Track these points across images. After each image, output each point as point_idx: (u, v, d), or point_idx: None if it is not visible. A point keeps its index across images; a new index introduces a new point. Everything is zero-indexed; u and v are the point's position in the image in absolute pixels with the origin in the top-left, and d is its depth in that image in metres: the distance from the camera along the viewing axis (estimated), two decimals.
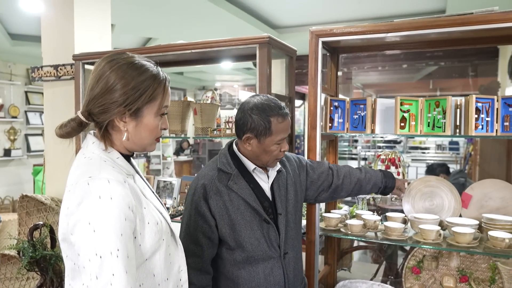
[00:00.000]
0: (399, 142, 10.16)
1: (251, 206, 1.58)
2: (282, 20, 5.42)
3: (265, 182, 1.66)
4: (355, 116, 2.10)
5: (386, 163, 2.68)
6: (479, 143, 5.86)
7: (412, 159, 9.57)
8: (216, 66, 7.68)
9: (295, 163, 1.84)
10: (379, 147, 9.66)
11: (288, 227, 1.67)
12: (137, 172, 1.23)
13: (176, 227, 1.33)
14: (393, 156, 2.68)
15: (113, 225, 0.99)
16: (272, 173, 1.68)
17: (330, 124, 2.11)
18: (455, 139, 9.70)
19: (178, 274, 1.24)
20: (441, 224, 2.02)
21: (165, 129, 1.22)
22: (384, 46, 2.28)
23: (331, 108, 2.11)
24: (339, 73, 2.50)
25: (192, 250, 1.55)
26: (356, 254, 4.35)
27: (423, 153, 9.98)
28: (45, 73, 2.90)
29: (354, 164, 8.81)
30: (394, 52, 6.16)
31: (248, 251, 1.58)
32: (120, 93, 1.10)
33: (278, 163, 1.69)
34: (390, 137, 10.28)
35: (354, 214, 2.33)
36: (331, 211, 2.26)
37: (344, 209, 2.51)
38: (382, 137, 10.17)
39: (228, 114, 2.56)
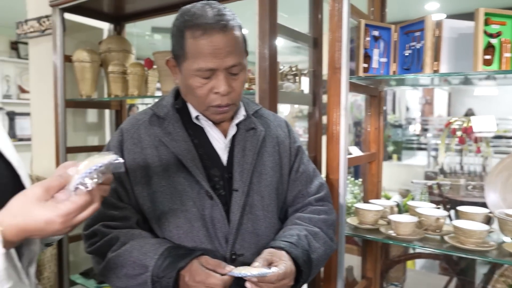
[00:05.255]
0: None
1: (186, 169, 0.95)
2: None
3: (218, 140, 1.02)
4: (407, 52, 1.33)
5: (459, 134, 1.86)
6: None
7: (496, 151, 8.16)
8: None
9: (288, 132, 1.14)
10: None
11: (251, 214, 0.99)
12: None
13: None
14: (469, 125, 1.85)
15: None
16: (232, 128, 1.03)
17: (366, 65, 1.36)
18: None
19: None
20: None
21: None
22: None
23: (368, 39, 1.35)
24: None
25: (108, 215, 0.98)
26: (418, 261, 3.46)
27: (508, 143, 8.50)
28: (29, 28, 2.46)
29: (423, 155, 7.68)
30: None
31: (173, 239, 0.96)
32: None
33: (239, 114, 1.04)
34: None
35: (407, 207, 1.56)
36: (370, 201, 1.52)
37: (394, 199, 1.73)
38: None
39: None
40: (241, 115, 1.04)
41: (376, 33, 1.36)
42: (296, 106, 7.09)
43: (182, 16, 0.94)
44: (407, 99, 10.21)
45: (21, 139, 4.88)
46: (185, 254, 0.88)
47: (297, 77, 1.74)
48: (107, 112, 2.58)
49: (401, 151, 7.70)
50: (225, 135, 1.03)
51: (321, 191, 1.12)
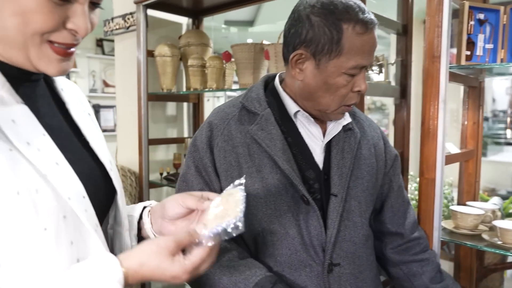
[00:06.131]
0: None
1: (281, 170, 0.89)
2: None
3: (316, 138, 0.96)
4: None
5: None
6: None
7: None
8: None
9: (380, 134, 1.09)
10: None
11: (348, 221, 0.93)
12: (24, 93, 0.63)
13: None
14: None
15: None
16: (334, 127, 0.96)
17: (469, 52, 1.22)
18: None
19: None
20: None
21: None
22: None
23: (472, 23, 1.21)
24: None
25: None
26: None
27: None
28: (115, 25, 2.58)
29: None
30: None
31: (266, 246, 0.90)
32: None
33: (346, 115, 0.98)
34: None
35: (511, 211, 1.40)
36: (467, 203, 1.37)
37: (493, 201, 1.56)
38: None
39: None
40: (347, 116, 0.98)
41: (481, 16, 1.21)
42: (368, 97, 6.80)
43: (335, 4, 0.84)
44: (493, 89, 9.33)
45: (105, 130, 5.24)
46: None
47: (383, 68, 1.63)
48: (184, 104, 2.64)
49: (487, 146, 7.08)
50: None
51: (418, 228, 1.13)
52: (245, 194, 0.67)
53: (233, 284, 0.82)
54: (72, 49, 0.60)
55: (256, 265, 0.86)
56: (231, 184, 0.71)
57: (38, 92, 0.66)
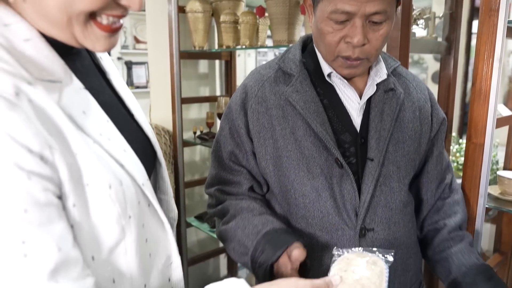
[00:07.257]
0: None
1: (314, 132, 0.87)
2: None
3: (352, 100, 0.91)
4: None
5: None
6: None
7: None
8: None
9: (428, 95, 1.01)
10: None
11: (385, 186, 0.89)
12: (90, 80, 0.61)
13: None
14: None
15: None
16: (370, 86, 0.91)
17: None
18: None
19: (165, 270, 0.64)
20: None
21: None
22: None
23: None
24: None
25: (224, 178, 0.99)
26: None
27: None
28: None
29: None
30: None
31: (299, 208, 0.90)
32: None
33: (381, 71, 0.92)
34: None
35: None
36: None
37: None
38: None
39: None
40: (383, 73, 0.92)
41: None
42: None
43: None
44: None
45: (137, 87, 5.29)
46: (281, 243, 0.81)
47: (429, 22, 1.51)
48: (217, 62, 2.59)
49: None
50: (360, 95, 0.92)
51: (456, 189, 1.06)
52: (388, 268, 0.63)
53: (246, 236, 0.86)
54: (120, 22, 0.55)
55: (270, 220, 0.88)
56: (375, 249, 0.67)
57: (84, 64, 0.63)
